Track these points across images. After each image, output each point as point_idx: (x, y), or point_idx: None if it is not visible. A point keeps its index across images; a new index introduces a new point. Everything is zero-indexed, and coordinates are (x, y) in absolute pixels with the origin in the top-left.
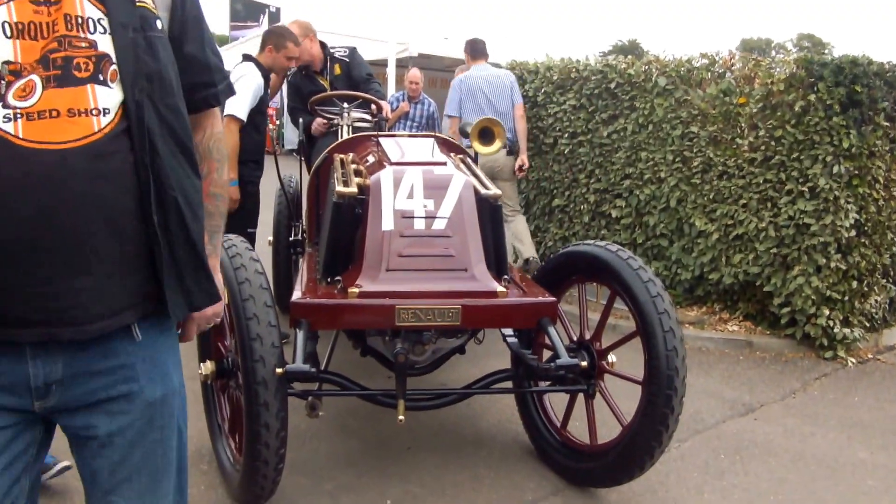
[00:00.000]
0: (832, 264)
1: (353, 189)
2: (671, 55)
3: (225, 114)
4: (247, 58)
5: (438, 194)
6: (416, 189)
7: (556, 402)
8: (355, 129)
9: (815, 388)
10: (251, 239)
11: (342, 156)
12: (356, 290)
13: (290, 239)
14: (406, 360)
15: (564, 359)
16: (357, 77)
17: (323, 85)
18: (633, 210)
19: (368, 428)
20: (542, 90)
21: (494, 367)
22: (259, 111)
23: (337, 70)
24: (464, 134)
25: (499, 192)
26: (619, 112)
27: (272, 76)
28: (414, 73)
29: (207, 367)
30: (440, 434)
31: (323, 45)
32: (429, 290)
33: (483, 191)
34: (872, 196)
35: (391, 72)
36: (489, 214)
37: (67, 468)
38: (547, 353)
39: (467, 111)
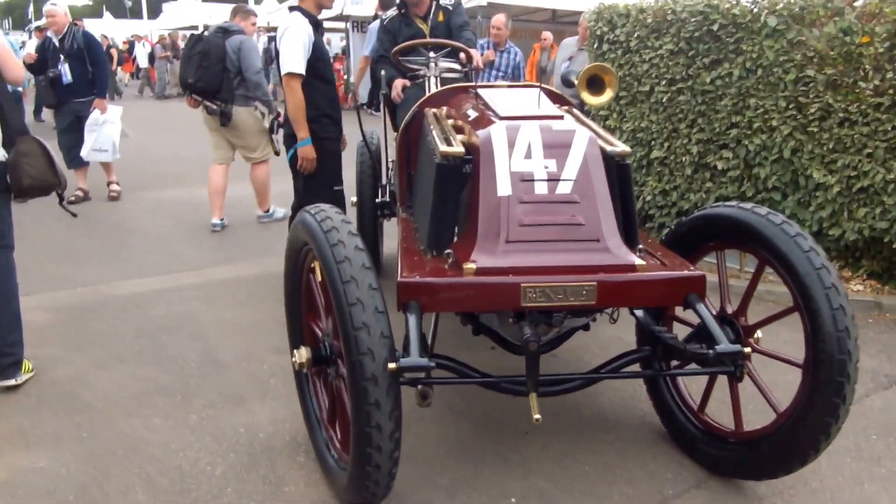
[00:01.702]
0: None
1: (460, 149)
2: None
3: (283, 73)
4: (292, 9)
5: (560, 153)
6: (533, 147)
7: (688, 381)
8: (443, 81)
9: None
10: (339, 198)
11: (435, 110)
12: (472, 265)
13: (377, 200)
14: (538, 348)
15: (725, 345)
16: (452, 25)
17: (422, 30)
18: (741, 161)
19: (478, 409)
20: (635, 34)
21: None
22: (320, 59)
23: (440, 17)
24: (567, 83)
25: (627, 148)
26: (723, 56)
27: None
28: (498, 19)
29: (302, 354)
30: (559, 415)
31: None
32: (558, 264)
33: (609, 148)
34: None
35: None
36: (617, 175)
37: None
38: (676, 328)
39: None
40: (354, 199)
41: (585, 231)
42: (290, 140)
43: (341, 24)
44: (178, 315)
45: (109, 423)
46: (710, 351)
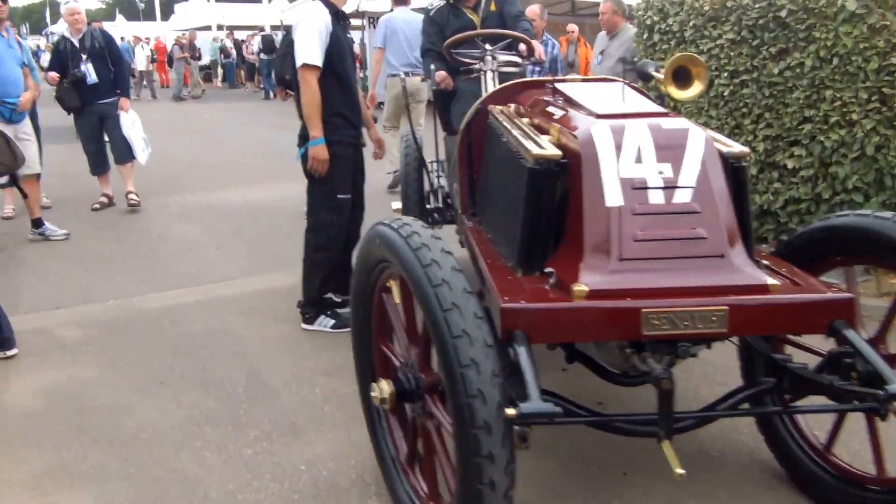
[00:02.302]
0: None
1: (556, 151)
2: None
3: (297, 64)
4: None
5: (675, 156)
6: (644, 150)
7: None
8: (500, 75)
9: None
10: (343, 207)
11: (502, 107)
12: (584, 288)
13: (428, 207)
14: (673, 387)
15: None
16: (506, 14)
17: (472, 20)
18: (815, 160)
19: (565, 443)
20: (691, 23)
21: None
22: (337, 53)
23: (492, 6)
24: (644, 77)
25: (745, 148)
26: (791, 45)
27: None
28: (532, 10)
29: (384, 389)
30: (657, 451)
31: None
32: (682, 285)
33: (725, 148)
34: None
35: None
36: (733, 178)
37: None
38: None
39: (392, 48)
40: (397, 205)
41: (708, 245)
42: (305, 141)
43: (357, 22)
44: (217, 331)
45: (157, 458)
46: (881, 391)
